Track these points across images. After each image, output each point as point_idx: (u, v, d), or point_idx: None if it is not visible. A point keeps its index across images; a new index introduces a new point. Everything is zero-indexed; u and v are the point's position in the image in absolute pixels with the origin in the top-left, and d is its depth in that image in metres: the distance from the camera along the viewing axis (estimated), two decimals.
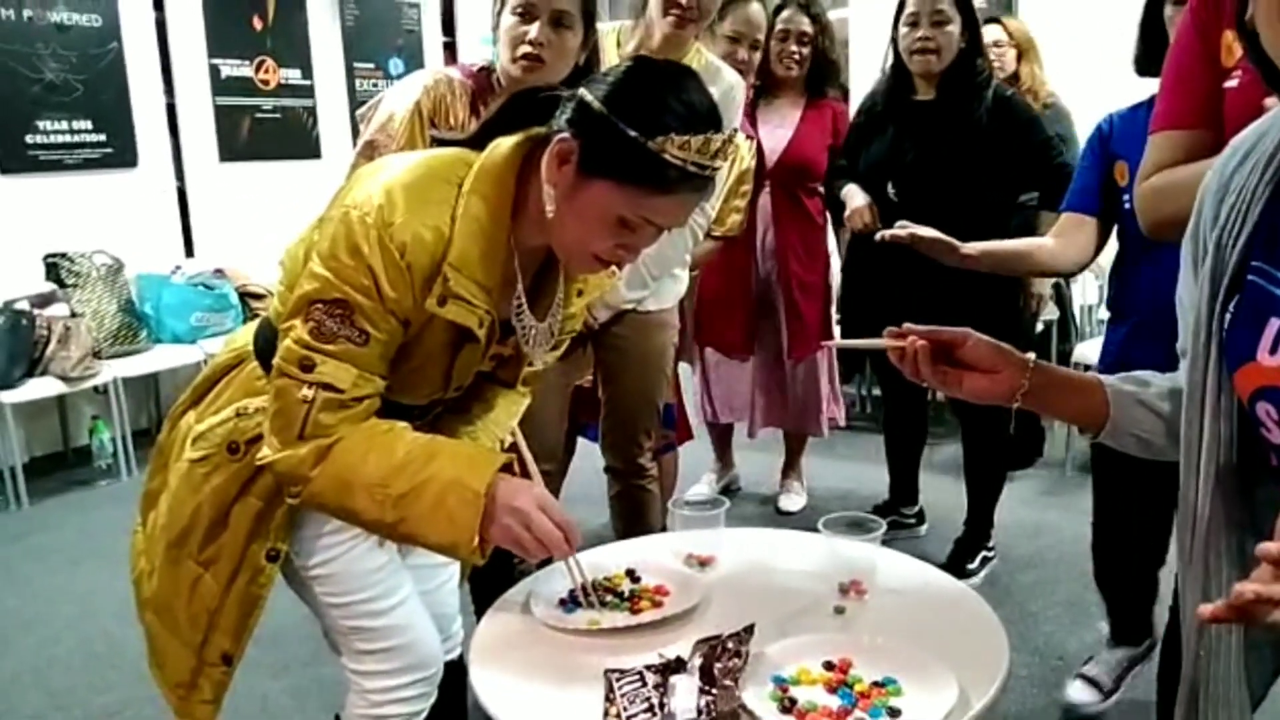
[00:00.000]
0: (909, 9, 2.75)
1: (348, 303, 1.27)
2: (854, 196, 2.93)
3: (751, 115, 3.31)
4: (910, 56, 2.76)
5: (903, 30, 2.77)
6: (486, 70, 2.19)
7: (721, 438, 3.91)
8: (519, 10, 2.01)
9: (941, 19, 2.71)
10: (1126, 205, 1.93)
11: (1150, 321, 1.87)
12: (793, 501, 3.77)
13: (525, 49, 2.01)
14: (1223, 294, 0.99)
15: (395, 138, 2.09)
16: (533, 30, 1.99)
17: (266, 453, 1.32)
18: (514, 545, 1.30)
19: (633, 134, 1.22)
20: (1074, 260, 2.12)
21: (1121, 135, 2.04)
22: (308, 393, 1.28)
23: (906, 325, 1.18)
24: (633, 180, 1.25)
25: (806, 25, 3.27)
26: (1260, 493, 1.02)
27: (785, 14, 3.29)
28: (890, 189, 2.83)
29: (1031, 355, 1.17)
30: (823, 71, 3.37)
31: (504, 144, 1.34)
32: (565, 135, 1.27)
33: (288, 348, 1.30)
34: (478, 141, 1.38)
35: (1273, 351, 0.94)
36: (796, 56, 3.29)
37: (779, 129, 3.36)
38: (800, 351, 3.53)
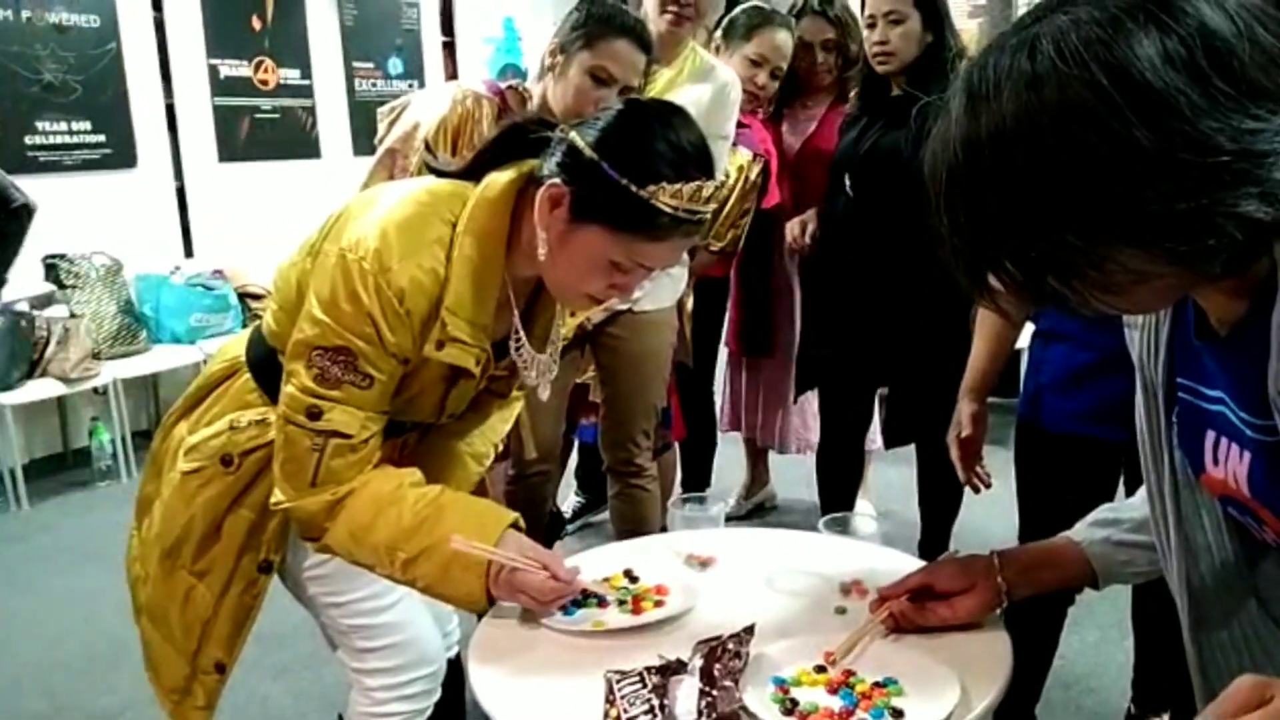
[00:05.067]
0: (867, 10, 2.65)
1: (350, 349, 1.27)
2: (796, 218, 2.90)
3: (778, 117, 3.25)
4: (873, 59, 2.67)
5: (864, 33, 2.69)
6: (514, 89, 2.19)
7: (753, 450, 3.71)
8: None
9: (897, 18, 2.58)
10: None
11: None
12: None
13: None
14: (1161, 410, 1.01)
15: (418, 150, 2.09)
16: None
17: (280, 498, 1.33)
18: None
19: (624, 182, 1.22)
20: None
21: None
22: (318, 440, 1.29)
23: (882, 592, 1.25)
24: (625, 227, 1.25)
25: (830, 32, 3.15)
26: (1264, 564, 1.03)
27: (804, 23, 3.16)
28: (847, 182, 2.73)
29: (991, 552, 1.24)
30: (850, 72, 3.24)
31: (498, 180, 1.33)
32: (556, 180, 1.26)
33: (292, 395, 1.30)
34: (471, 173, 1.37)
35: (1215, 463, 0.96)
36: (825, 65, 3.17)
37: (804, 123, 3.26)
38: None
